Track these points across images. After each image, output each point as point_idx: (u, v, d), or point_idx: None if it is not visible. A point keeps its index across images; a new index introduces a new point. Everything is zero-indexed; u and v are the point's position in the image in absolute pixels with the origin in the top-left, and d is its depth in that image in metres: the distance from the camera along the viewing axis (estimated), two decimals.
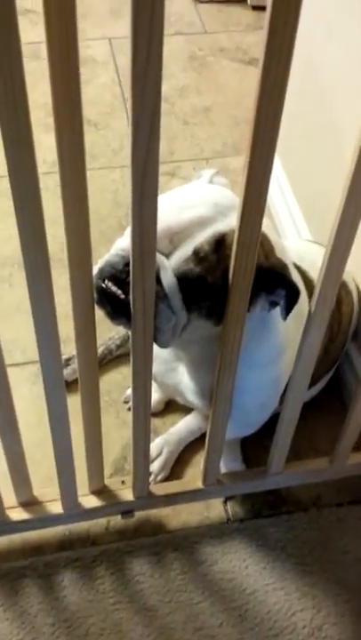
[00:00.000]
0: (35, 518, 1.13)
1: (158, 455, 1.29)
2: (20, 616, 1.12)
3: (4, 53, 0.56)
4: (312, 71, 1.48)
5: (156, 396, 1.36)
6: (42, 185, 0.66)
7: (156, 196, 0.70)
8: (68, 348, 1.45)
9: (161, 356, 1.07)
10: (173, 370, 1.09)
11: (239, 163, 1.94)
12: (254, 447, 1.31)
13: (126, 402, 1.38)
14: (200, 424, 1.32)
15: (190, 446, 1.33)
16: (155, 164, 0.67)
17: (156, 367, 1.08)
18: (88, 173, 0.68)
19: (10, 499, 1.12)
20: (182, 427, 1.32)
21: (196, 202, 0.87)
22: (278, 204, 1.76)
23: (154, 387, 1.36)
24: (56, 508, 1.14)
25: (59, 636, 1.11)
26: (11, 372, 0.90)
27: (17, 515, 1.13)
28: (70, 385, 1.36)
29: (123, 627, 1.12)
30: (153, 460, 1.28)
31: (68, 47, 0.58)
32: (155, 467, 1.28)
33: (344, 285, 1.23)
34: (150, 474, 1.26)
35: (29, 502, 1.14)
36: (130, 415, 0.97)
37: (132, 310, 0.82)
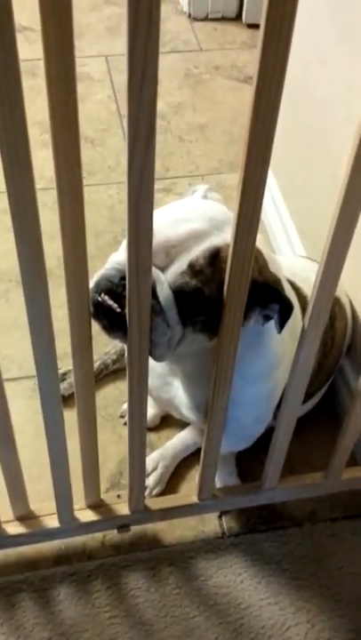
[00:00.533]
0: (31, 532, 1.13)
1: (154, 469, 1.30)
2: (16, 630, 1.12)
3: (2, 72, 0.57)
4: (307, 91, 1.50)
5: (151, 410, 1.36)
6: (39, 201, 0.67)
7: (151, 211, 0.71)
8: (65, 362, 1.47)
9: (156, 370, 1.07)
10: (168, 384, 1.09)
11: (235, 179, 1.94)
12: (249, 461, 1.31)
13: (122, 416, 1.39)
14: (195, 438, 1.33)
15: (185, 461, 1.34)
16: (150, 181, 0.68)
17: (152, 381, 1.09)
18: (85, 189, 0.69)
19: (6, 513, 1.13)
20: (178, 441, 1.33)
21: (192, 216, 0.88)
22: (273, 220, 1.78)
23: (149, 402, 1.36)
24: (52, 522, 1.14)
25: None
26: (7, 386, 0.90)
27: (13, 529, 1.13)
28: (67, 399, 1.37)
29: None
30: (148, 475, 1.28)
31: (66, 65, 0.59)
32: (150, 481, 1.28)
33: (337, 301, 1.24)
34: (146, 488, 1.27)
35: (26, 516, 1.14)
36: (126, 430, 0.98)
37: (127, 324, 0.82)
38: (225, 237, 0.87)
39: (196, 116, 2.12)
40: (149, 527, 1.24)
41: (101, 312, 0.85)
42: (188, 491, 1.27)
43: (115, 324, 0.85)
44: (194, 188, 1.01)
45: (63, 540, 1.22)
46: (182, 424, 1.35)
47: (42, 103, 0.61)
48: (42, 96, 0.60)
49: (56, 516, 1.13)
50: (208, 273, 0.85)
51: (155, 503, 1.18)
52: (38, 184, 0.66)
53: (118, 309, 0.84)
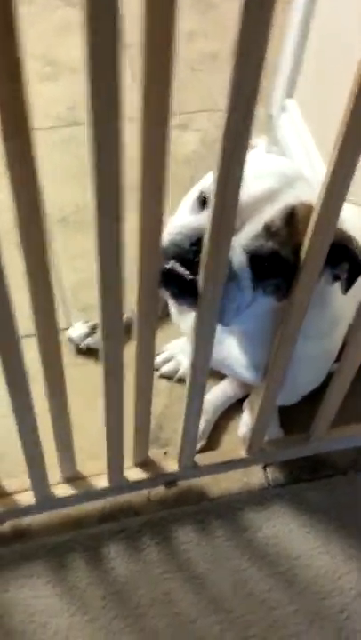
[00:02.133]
0: (80, 493, 1.11)
1: None
2: (70, 590, 1.12)
3: None
4: (333, 24, 1.41)
5: (187, 361, 1.33)
6: (47, 141, 0.61)
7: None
8: (89, 314, 1.43)
9: None
10: (220, 343, 1.06)
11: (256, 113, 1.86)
12: (290, 412, 1.29)
13: (157, 369, 1.35)
14: (236, 390, 1.30)
15: (226, 412, 1.32)
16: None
17: None
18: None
19: (53, 475, 1.10)
20: (218, 394, 1.30)
21: (262, 174, 0.83)
22: (296, 153, 1.71)
23: (185, 353, 1.34)
24: (101, 482, 1.12)
25: (110, 608, 1.11)
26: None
27: (62, 490, 1.11)
28: (98, 353, 1.33)
29: (173, 596, 1.13)
30: None
31: None
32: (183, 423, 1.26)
33: None
34: None
35: (73, 477, 1.12)
36: (160, 383, 0.94)
37: (199, 291, 0.78)
38: (298, 195, 0.82)
39: (207, 43, 2.01)
40: (194, 481, 1.23)
41: (171, 279, 0.80)
42: (232, 444, 1.26)
43: (184, 291, 0.80)
44: (253, 142, 0.95)
45: (106, 499, 1.20)
46: (220, 375, 1.32)
47: (36, 34, 0.53)
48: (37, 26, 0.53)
49: (105, 475, 1.11)
50: (284, 234, 0.80)
51: (203, 459, 1.16)
52: (45, 123, 0.59)
53: (190, 277, 0.79)
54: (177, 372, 1.33)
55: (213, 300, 0.79)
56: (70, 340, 1.37)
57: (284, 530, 1.20)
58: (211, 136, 1.74)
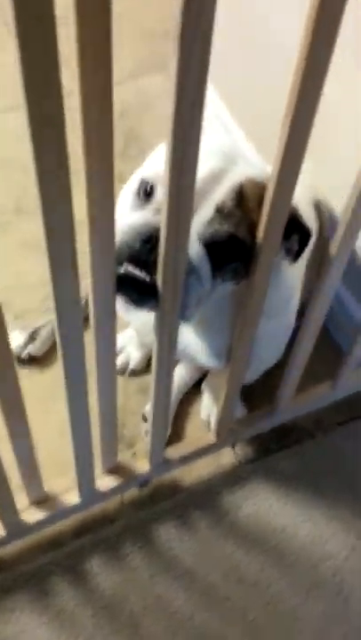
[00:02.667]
0: (51, 515, 1.05)
1: None
2: (57, 616, 1.06)
3: None
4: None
5: (137, 354, 1.27)
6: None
7: (198, 149, 0.60)
8: (27, 319, 1.34)
9: None
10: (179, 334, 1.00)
11: (158, 84, 1.77)
12: (245, 387, 1.26)
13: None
14: (192, 374, 1.26)
15: (184, 397, 1.27)
16: (200, 117, 0.56)
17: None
18: None
19: (20, 499, 1.03)
20: (175, 380, 1.25)
21: (202, 154, 0.76)
22: (216, 133, 1.64)
23: (137, 344, 1.27)
24: (72, 497, 1.05)
25: (103, 625, 1.05)
26: None
27: (32, 516, 1.04)
28: (41, 360, 1.26)
29: (165, 598, 1.08)
30: None
31: None
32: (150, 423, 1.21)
33: (319, 207, 1.17)
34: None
35: (42, 499, 1.05)
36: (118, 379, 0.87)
37: (160, 289, 0.72)
38: (242, 171, 0.77)
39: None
40: (166, 475, 1.18)
41: (128, 285, 0.73)
42: (197, 429, 1.22)
43: (143, 294, 0.73)
44: None
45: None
46: None
47: None
48: None
49: (75, 490, 1.04)
50: (238, 214, 0.74)
51: (173, 452, 1.11)
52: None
53: (147, 278, 0.72)
54: (128, 364, 1.27)
55: (175, 298, 0.73)
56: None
57: (263, 505, 1.18)
58: (128, 107, 1.66)
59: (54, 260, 0.62)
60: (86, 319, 0.72)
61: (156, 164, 0.80)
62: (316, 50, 0.56)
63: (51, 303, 0.68)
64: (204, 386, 1.27)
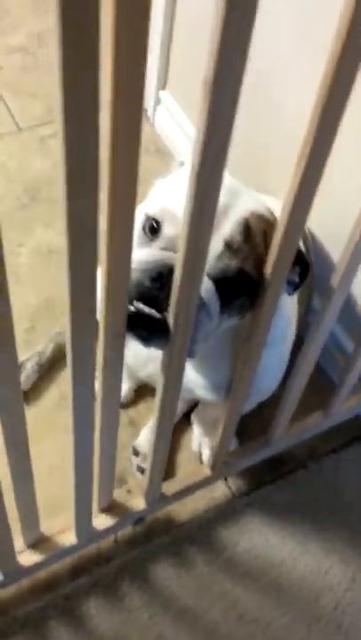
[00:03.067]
0: (47, 557, 1.02)
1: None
2: None
3: None
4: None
5: (125, 386, 1.26)
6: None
7: (217, 197, 0.59)
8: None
9: (158, 355, 0.97)
10: None
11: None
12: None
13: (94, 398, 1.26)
14: (181, 406, 1.25)
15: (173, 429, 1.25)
16: (222, 163, 0.56)
17: (154, 368, 0.99)
18: None
19: (17, 541, 1.00)
20: None
21: None
22: (180, 145, 1.65)
23: (125, 376, 1.26)
24: (69, 538, 1.03)
25: None
26: None
27: (28, 558, 1.01)
28: (27, 395, 1.24)
29: (165, 637, 1.06)
30: (146, 457, 1.19)
31: None
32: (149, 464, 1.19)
33: (305, 235, 1.18)
34: (143, 470, 1.18)
35: (38, 540, 1.02)
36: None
37: (171, 327, 0.71)
38: (246, 206, 0.77)
39: None
40: (159, 511, 1.16)
41: (137, 322, 0.72)
42: (188, 462, 1.21)
43: (153, 332, 0.72)
44: (180, 160, 0.89)
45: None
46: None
47: None
48: None
49: (72, 530, 1.02)
50: (246, 250, 0.74)
51: (169, 488, 1.10)
52: None
53: (158, 315, 0.71)
54: None
55: (185, 334, 0.72)
56: None
57: (260, 539, 1.16)
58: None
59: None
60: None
61: (160, 199, 0.80)
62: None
63: (68, 346, 0.66)
64: (193, 417, 1.26)
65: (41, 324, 1.36)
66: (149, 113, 1.73)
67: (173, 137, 1.67)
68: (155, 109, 1.70)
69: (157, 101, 1.68)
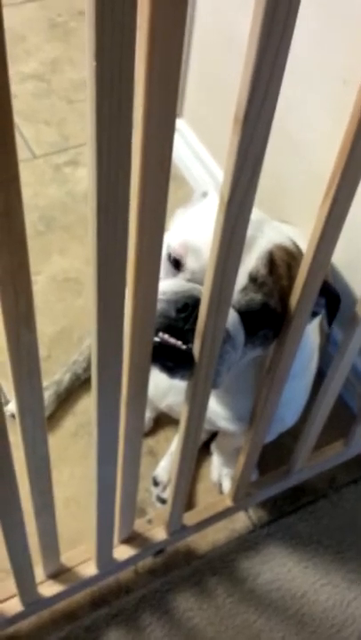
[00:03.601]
0: (69, 588, 1.01)
1: (170, 480, 1.20)
2: None
3: None
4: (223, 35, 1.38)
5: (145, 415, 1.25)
6: None
7: (244, 239, 0.60)
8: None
9: (178, 386, 0.97)
10: None
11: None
12: None
13: None
14: (201, 436, 1.24)
15: None
16: (252, 198, 0.56)
17: (174, 398, 0.99)
18: None
19: (38, 573, 0.99)
20: None
21: None
22: (197, 174, 1.66)
23: None
24: (89, 569, 1.02)
25: None
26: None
27: (49, 589, 1.00)
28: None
29: None
30: (165, 487, 1.19)
31: None
32: (168, 494, 1.19)
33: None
34: (164, 501, 1.17)
35: (59, 571, 1.01)
36: None
37: (196, 359, 0.71)
38: (270, 238, 0.78)
39: (76, 71, 1.92)
40: (180, 542, 1.16)
41: (162, 353, 0.72)
42: (208, 492, 1.20)
43: (178, 363, 0.73)
44: (203, 190, 0.89)
45: None
46: (176, 422, 1.25)
47: None
48: None
49: (93, 561, 1.01)
50: (270, 283, 0.75)
51: (190, 518, 1.09)
52: None
53: (184, 347, 0.72)
54: None
55: (210, 366, 0.73)
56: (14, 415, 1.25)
57: (282, 570, 1.15)
58: None
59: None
60: (87, 380, 0.70)
61: (182, 232, 0.80)
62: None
63: (93, 375, 0.66)
64: (213, 447, 1.25)
65: (57, 353, 1.36)
66: None
67: (189, 164, 1.68)
68: None
69: None
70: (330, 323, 0.84)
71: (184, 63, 1.55)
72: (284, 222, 1.23)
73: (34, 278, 1.51)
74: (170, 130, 0.49)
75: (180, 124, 1.68)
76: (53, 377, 1.31)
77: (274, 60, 0.46)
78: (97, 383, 0.67)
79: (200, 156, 1.65)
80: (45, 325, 1.41)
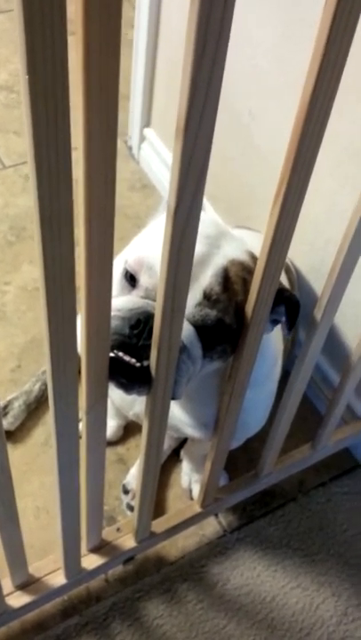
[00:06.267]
0: (37, 598, 1.01)
1: None
2: None
3: None
4: None
5: (112, 422, 1.26)
6: None
7: (193, 247, 0.61)
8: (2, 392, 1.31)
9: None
10: None
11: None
12: None
13: (80, 436, 1.26)
14: (170, 443, 1.25)
15: (163, 466, 1.26)
16: (198, 210, 0.57)
17: (139, 408, 1.00)
18: None
19: (5, 584, 0.99)
20: None
21: None
22: (165, 182, 1.67)
23: (110, 413, 1.26)
24: (58, 579, 1.02)
25: None
26: None
27: (16, 600, 1.00)
28: (14, 435, 1.24)
29: None
30: (134, 496, 1.19)
31: None
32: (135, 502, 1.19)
33: (288, 268, 1.19)
34: (132, 508, 1.18)
35: (27, 582, 1.01)
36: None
37: (153, 374, 0.72)
38: (226, 254, 0.78)
39: None
40: (150, 549, 1.16)
41: (117, 370, 0.73)
42: (178, 499, 1.20)
43: (133, 380, 0.73)
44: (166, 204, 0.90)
45: None
46: None
47: None
48: None
49: (61, 571, 1.01)
50: (224, 300, 0.75)
51: (159, 526, 1.09)
52: None
53: (138, 364, 0.72)
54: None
55: (168, 377, 0.73)
56: None
57: (252, 575, 1.16)
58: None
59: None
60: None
61: (139, 248, 0.81)
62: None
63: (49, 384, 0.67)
64: (183, 454, 1.26)
65: (28, 363, 1.36)
66: (134, 150, 1.75)
67: (159, 173, 1.69)
68: (139, 147, 1.73)
69: (142, 139, 1.71)
70: (290, 329, 0.84)
71: (150, 72, 1.56)
72: (252, 231, 1.25)
73: (4, 288, 1.53)
74: (112, 141, 0.49)
75: (148, 132, 1.69)
76: (23, 387, 1.31)
77: (211, 69, 0.47)
78: (52, 392, 0.68)
79: (169, 165, 1.66)
80: (16, 335, 1.41)
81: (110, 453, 1.27)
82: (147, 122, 1.68)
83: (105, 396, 0.74)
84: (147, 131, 1.69)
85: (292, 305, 0.83)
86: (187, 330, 0.74)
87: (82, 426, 0.77)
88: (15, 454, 1.25)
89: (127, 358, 0.72)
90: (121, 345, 0.73)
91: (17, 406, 1.29)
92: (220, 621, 1.11)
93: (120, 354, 0.72)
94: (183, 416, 0.96)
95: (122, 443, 1.28)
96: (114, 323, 0.73)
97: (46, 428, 1.29)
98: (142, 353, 0.72)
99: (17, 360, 1.37)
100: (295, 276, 1.24)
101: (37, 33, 0.40)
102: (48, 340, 0.61)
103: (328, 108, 0.56)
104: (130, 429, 1.29)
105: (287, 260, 1.22)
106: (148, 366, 0.72)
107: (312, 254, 1.23)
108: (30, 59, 0.41)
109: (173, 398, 0.78)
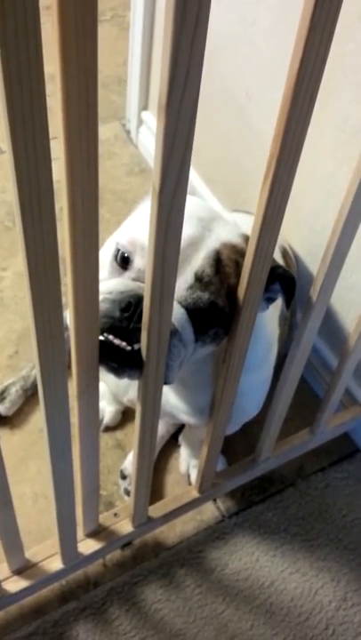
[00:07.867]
0: (35, 583, 1.01)
1: None
2: None
3: None
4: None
5: (111, 408, 1.25)
6: None
7: (181, 227, 0.60)
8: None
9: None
10: None
11: (108, 132, 1.81)
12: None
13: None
14: (168, 428, 1.24)
15: (161, 451, 1.25)
16: (184, 194, 0.56)
17: (133, 393, 0.99)
18: None
19: (2, 568, 1.00)
20: None
21: None
22: None
23: (108, 399, 1.26)
24: (55, 564, 1.02)
25: None
26: None
27: (13, 585, 1.00)
28: (9, 419, 1.24)
29: None
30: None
31: None
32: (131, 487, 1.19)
33: (286, 252, 1.18)
34: (129, 492, 1.17)
35: (24, 567, 1.01)
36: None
37: (144, 358, 0.71)
38: (218, 236, 0.77)
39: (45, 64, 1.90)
40: (148, 534, 1.16)
41: (107, 354, 0.72)
42: (177, 484, 1.20)
43: (124, 364, 0.72)
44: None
45: None
46: None
47: None
48: None
49: (58, 556, 1.01)
50: (217, 282, 0.74)
51: (156, 510, 1.09)
52: None
53: (128, 347, 0.71)
54: (102, 421, 1.25)
55: (159, 360, 0.72)
56: None
57: (250, 560, 1.16)
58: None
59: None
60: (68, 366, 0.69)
61: (130, 229, 0.80)
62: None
63: (35, 360, 0.66)
64: (181, 439, 1.25)
65: (25, 349, 1.36)
66: (132, 134, 1.74)
67: None
68: (138, 130, 1.71)
69: (140, 122, 1.69)
70: (288, 303, 0.84)
71: (147, 53, 1.54)
72: (250, 214, 1.23)
73: (1, 274, 1.52)
74: (93, 115, 0.48)
75: (146, 116, 1.68)
76: (20, 372, 1.31)
77: (191, 42, 0.46)
78: (41, 377, 0.67)
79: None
80: (13, 322, 1.40)
81: (108, 439, 1.27)
82: (144, 105, 1.66)
83: (96, 380, 0.73)
84: (145, 114, 1.67)
85: (287, 281, 0.81)
86: (178, 313, 0.73)
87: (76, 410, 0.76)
88: (13, 440, 1.24)
89: (117, 342, 0.71)
90: (111, 328, 0.72)
91: (14, 391, 1.29)
92: (218, 606, 1.11)
93: (110, 337, 0.71)
94: (178, 402, 0.96)
95: (120, 428, 1.28)
96: (104, 306, 0.72)
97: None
98: (133, 336, 0.71)
99: (14, 346, 1.36)
100: (294, 261, 1.23)
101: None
102: (34, 323, 0.60)
103: (317, 81, 0.55)
104: (128, 415, 1.29)
105: (285, 244, 1.21)
106: (139, 350, 0.71)
107: (310, 238, 1.22)
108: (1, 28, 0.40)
109: (166, 383, 0.77)
